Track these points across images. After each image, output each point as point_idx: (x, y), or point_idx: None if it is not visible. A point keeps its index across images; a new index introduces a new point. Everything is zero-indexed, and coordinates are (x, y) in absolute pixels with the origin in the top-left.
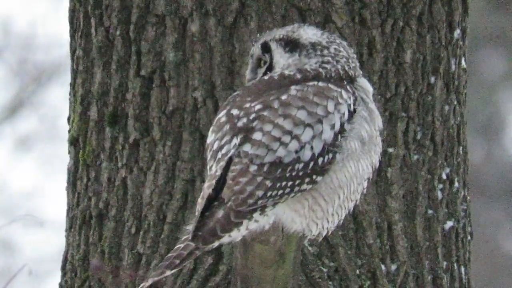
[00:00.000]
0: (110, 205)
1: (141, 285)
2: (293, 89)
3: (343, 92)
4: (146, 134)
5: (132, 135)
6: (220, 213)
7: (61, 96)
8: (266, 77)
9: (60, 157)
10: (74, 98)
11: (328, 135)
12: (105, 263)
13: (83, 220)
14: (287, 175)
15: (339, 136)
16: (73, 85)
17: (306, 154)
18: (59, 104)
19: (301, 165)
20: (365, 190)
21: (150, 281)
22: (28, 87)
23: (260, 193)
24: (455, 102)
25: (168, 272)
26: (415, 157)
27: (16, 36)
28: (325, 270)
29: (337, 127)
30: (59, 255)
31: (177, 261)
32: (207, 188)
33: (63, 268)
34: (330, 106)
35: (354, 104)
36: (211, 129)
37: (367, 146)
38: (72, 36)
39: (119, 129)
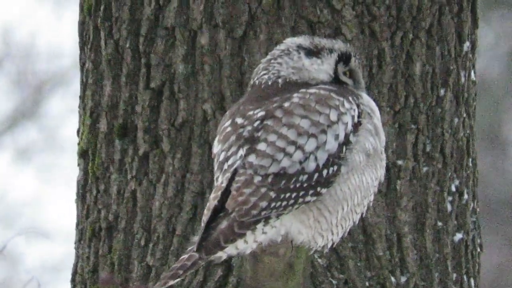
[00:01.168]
0: (119, 217)
1: None
2: (296, 97)
3: (345, 102)
4: (155, 147)
5: (142, 148)
6: (224, 224)
7: (62, 106)
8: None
9: (60, 167)
10: (84, 110)
11: (332, 145)
12: (114, 275)
13: (92, 232)
14: (291, 186)
15: (344, 148)
16: (82, 98)
17: (311, 165)
18: (60, 115)
19: (305, 177)
20: (371, 204)
21: None
22: (29, 97)
23: (264, 204)
24: (465, 115)
25: (171, 282)
26: (425, 169)
27: (16, 46)
28: (334, 282)
29: (341, 138)
30: (60, 265)
31: (181, 272)
32: (212, 199)
33: (73, 280)
34: (333, 115)
35: (359, 117)
36: (216, 138)
37: (372, 159)
38: (82, 49)
39: (129, 142)
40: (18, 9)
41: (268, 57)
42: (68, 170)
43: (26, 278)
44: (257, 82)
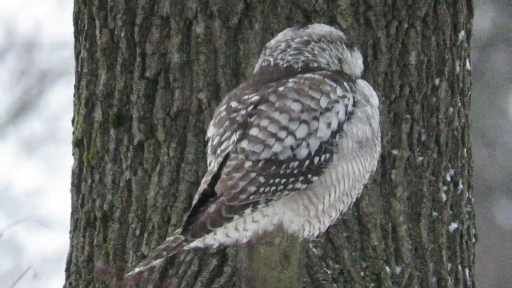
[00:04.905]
0: (114, 207)
1: (128, 274)
2: (291, 81)
3: (338, 89)
4: (150, 136)
5: (137, 137)
6: (212, 208)
7: (65, 97)
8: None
9: (63, 158)
10: (79, 100)
11: (324, 133)
12: (109, 265)
13: (87, 222)
14: (281, 172)
15: (337, 136)
16: (77, 87)
17: (302, 152)
18: (63, 106)
19: (296, 163)
20: (359, 196)
21: (136, 270)
22: (32, 88)
23: (252, 189)
24: (460, 104)
25: (154, 262)
26: (420, 159)
27: (19, 37)
28: (329, 272)
29: (334, 125)
30: (61, 255)
31: (165, 253)
32: (203, 183)
33: (68, 270)
34: (324, 101)
35: (354, 105)
36: (212, 122)
37: (363, 148)
38: (77, 38)
39: (124, 131)
40: None
41: (305, 38)
42: (70, 160)
43: (25, 267)
44: (272, 62)
